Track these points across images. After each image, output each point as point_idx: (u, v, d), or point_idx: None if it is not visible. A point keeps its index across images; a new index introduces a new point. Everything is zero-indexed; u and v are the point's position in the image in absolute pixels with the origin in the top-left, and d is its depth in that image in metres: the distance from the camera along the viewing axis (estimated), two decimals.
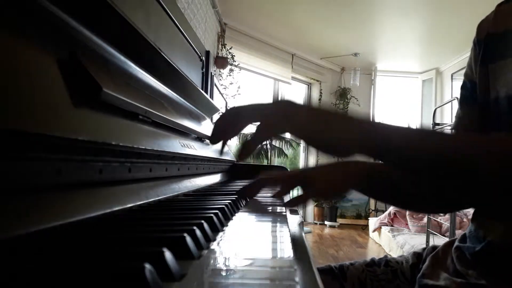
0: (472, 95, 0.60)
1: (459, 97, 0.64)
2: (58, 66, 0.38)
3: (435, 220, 2.88)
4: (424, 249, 0.69)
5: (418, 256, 0.68)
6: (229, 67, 3.19)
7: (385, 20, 3.39)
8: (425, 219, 3.02)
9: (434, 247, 0.67)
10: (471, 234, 0.57)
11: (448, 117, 3.99)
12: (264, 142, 4.14)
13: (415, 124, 4.85)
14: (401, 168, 0.45)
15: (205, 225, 0.34)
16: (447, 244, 0.64)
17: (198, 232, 0.31)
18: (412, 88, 5.03)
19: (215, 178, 1.08)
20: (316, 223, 4.60)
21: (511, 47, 0.51)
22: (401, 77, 5.08)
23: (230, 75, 3.26)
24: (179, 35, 1.11)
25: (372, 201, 4.55)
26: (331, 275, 0.67)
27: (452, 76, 4.32)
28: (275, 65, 4.07)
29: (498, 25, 0.55)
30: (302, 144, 4.77)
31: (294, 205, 0.57)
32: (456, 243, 0.60)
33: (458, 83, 4.29)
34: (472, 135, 0.46)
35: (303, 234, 0.40)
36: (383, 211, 3.97)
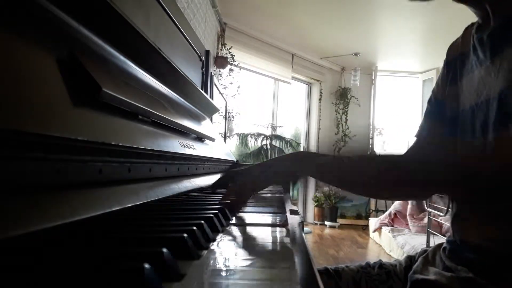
0: (435, 110, 0.67)
1: (424, 109, 0.71)
2: (57, 66, 0.38)
3: (435, 220, 2.88)
4: (417, 253, 0.73)
5: (411, 259, 0.71)
6: (229, 67, 3.19)
7: (385, 19, 3.39)
8: (426, 220, 3.02)
9: (426, 250, 0.70)
10: (450, 238, 0.62)
11: None
12: (264, 143, 4.15)
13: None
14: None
15: (205, 226, 0.34)
16: (436, 246, 0.68)
17: (198, 232, 0.31)
18: (413, 88, 5.03)
19: (215, 178, 1.07)
20: (316, 224, 4.60)
21: (475, 63, 0.57)
22: (401, 77, 5.07)
23: (230, 75, 3.26)
24: (179, 35, 1.11)
25: (372, 202, 4.55)
26: (327, 275, 0.69)
27: None
28: (275, 65, 4.07)
29: (465, 46, 0.62)
30: (302, 145, 4.78)
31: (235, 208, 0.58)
32: (444, 244, 0.64)
33: None
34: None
35: (303, 234, 0.40)
36: (384, 211, 3.97)
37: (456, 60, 0.63)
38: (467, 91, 0.59)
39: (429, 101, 0.70)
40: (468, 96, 0.58)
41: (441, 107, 0.65)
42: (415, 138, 0.71)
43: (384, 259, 0.74)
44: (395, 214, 3.66)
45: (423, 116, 0.72)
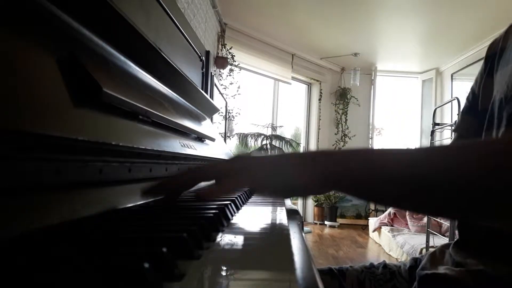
0: (472, 105, 0.65)
1: (462, 106, 0.69)
2: (58, 66, 0.38)
3: (435, 220, 2.88)
4: (422, 255, 0.73)
5: (416, 260, 0.71)
6: (229, 67, 3.19)
7: (385, 20, 3.39)
8: (425, 219, 3.02)
9: (433, 250, 0.70)
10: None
11: (448, 117, 3.98)
12: (266, 143, 4.15)
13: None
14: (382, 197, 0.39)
15: (206, 225, 0.34)
16: (444, 245, 0.68)
17: (198, 232, 0.31)
18: (412, 88, 5.03)
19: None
20: (316, 223, 4.60)
21: (510, 56, 0.56)
22: (401, 77, 5.07)
23: (230, 75, 3.26)
24: (179, 35, 1.11)
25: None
26: (331, 275, 0.69)
27: (452, 76, 4.32)
28: (275, 65, 4.07)
29: (506, 40, 0.60)
30: (302, 145, 4.77)
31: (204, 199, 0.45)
32: (452, 244, 0.64)
33: (458, 83, 4.30)
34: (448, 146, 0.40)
35: (303, 234, 0.40)
36: (383, 211, 3.97)
37: (495, 54, 0.61)
38: (499, 84, 0.56)
39: (467, 98, 0.68)
40: (499, 88, 0.56)
41: (477, 102, 0.64)
42: (454, 134, 0.71)
43: (384, 259, 0.75)
44: (394, 213, 3.67)
45: (460, 113, 0.71)
